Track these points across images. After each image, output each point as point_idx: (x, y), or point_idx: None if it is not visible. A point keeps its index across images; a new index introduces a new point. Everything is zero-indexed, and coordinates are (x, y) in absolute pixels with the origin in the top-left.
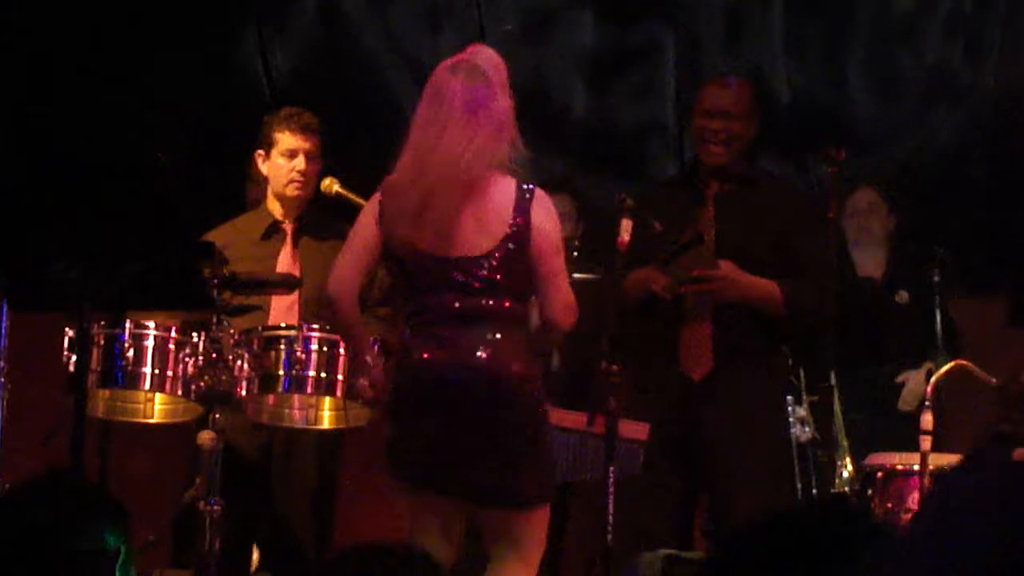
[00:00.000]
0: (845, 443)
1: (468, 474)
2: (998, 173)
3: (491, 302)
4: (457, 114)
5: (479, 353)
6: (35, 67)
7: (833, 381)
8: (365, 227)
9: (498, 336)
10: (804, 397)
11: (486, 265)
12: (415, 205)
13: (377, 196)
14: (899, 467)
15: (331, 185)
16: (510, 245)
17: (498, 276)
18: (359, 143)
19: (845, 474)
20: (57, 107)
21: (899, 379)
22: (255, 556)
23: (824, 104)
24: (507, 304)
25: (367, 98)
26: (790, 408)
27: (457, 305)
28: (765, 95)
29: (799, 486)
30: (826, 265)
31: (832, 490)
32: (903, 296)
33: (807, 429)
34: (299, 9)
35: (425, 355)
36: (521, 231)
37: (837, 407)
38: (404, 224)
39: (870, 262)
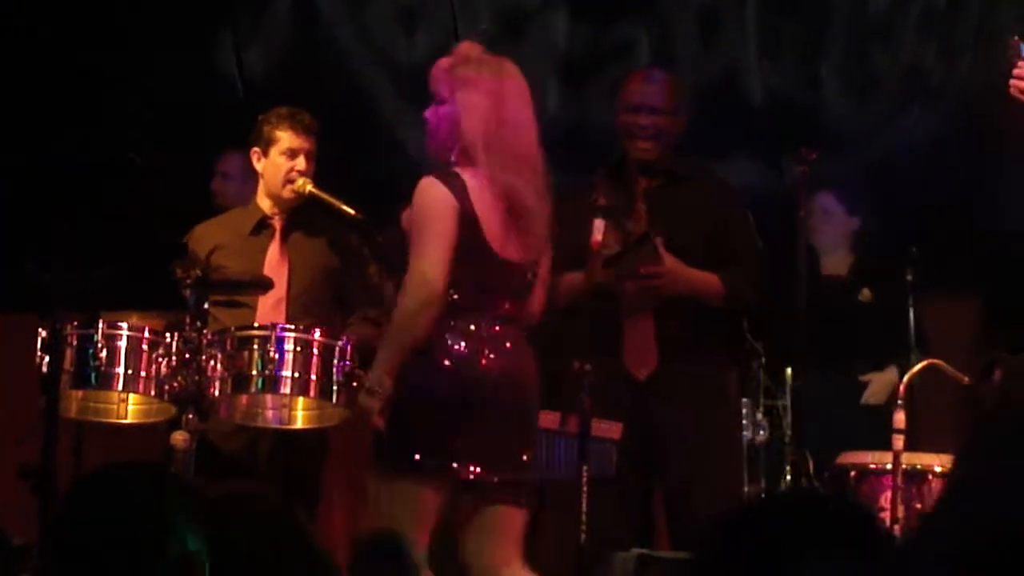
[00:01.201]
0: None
1: (520, 471)
2: (972, 172)
3: (524, 307)
4: (533, 117)
5: (524, 355)
6: (6, 70)
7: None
8: (451, 227)
9: (524, 338)
10: (761, 400)
11: (530, 271)
12: (504, 207)
13: (451, 196)
14: (872, 466)
15: (304, 185)
16: (545, 253)
17: (535, 282)
18: (332, 143)
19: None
20: (31, 109)
21: (864, 379)
22: None
23: (798, 104)
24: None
25: (341, 97)
26: (744, 410)
27: (508, 307)
28: (739, 95)
29: (762, 485)
30: (754, 253)
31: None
32: (866, 295)
33: (762, 431)
34: (273, 8)
35: (484, 360)
36: (550, 240)
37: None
38: (492, 225)
39: (832, 262)
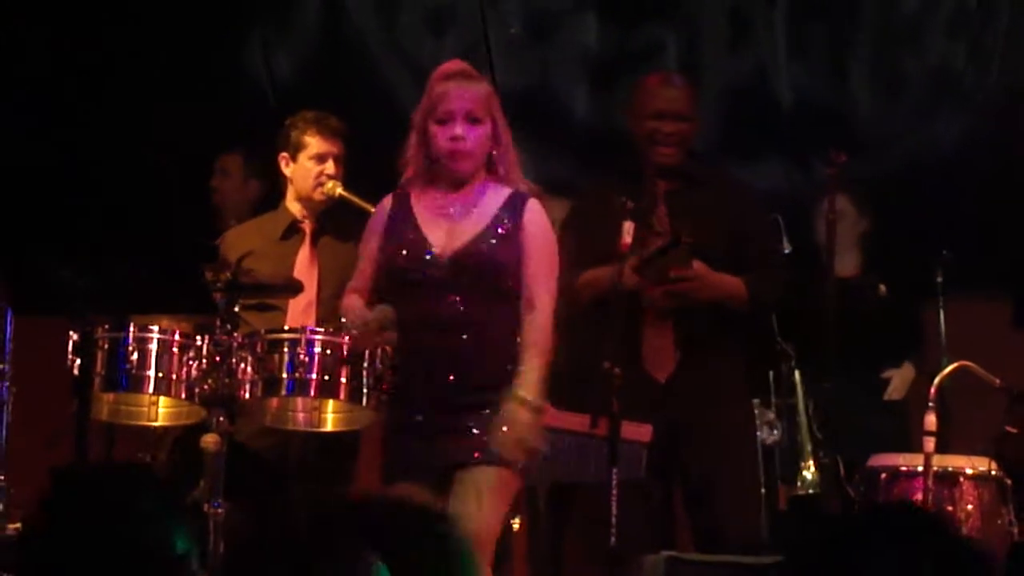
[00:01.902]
0: (808, 446)
1: None
2: (1000, 175)
3: None
4: None
5: None
6: (36, 71)
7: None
8: None
9: None
10: (773, 400)
11: None
12: None
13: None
14: (903, 468)
15: (334, 188)
16: None
17: None
18: (361, 147)
19: (808, 475)
20: (60, 111)
21: (885, 375)
22: None
23: (827, 105)
24: None
25: (369, 102)
26: (757, 411)
27: None
28: (768, 97)
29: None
30: (778, 256)
31: (801, 491)
32: (882, 290)
33: (775, 432)
34: (302, 11)
35: None
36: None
37: (802, 408)
38: None
39: (843, 263)
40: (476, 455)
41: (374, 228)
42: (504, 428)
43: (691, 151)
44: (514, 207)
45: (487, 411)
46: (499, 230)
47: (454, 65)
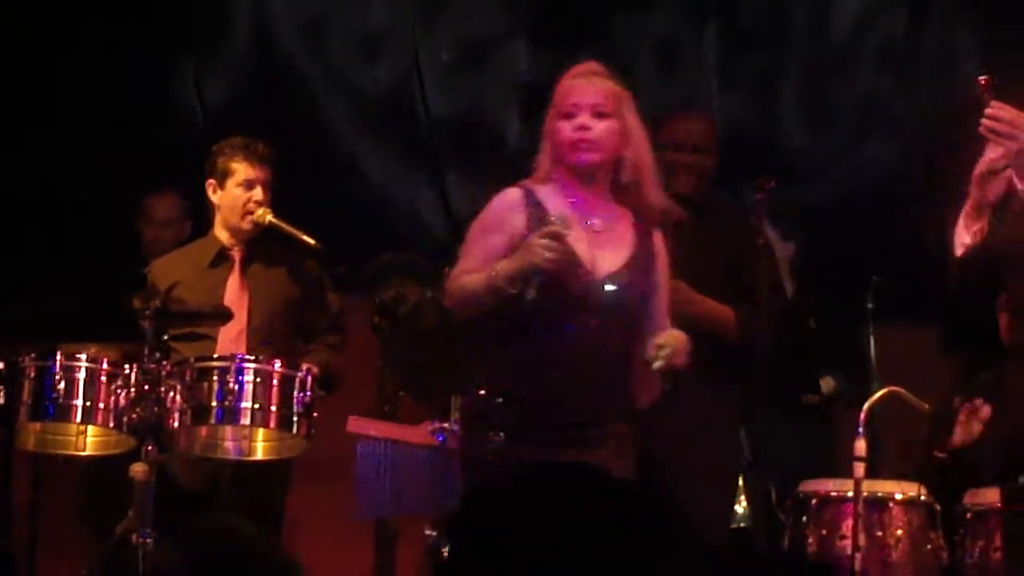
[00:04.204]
0: (739, 479)
1: None
2: (930, 201)
3: None
4: None
5: None
6: None
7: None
8: None
9: None
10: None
11: None
12: None
13: None
14: (833, 494)
15: (264, 215)
16: None
17: None
18: (292, 172)
19: (740, 509)
20: None
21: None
22: None
23: (757, 134)
24: None
25: (302, 126)
26: None
27: None
28: None
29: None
30: (774, 292)
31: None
32: (811, 324)
33: (744, 453)
34: (233, 37)
35: None
36: None
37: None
38: None
39: None
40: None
41: (506, 224)
42: (663, 339)
43: (708, 184)
44: (646, 236)
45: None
46: (641, 262)
47: (584, 65)
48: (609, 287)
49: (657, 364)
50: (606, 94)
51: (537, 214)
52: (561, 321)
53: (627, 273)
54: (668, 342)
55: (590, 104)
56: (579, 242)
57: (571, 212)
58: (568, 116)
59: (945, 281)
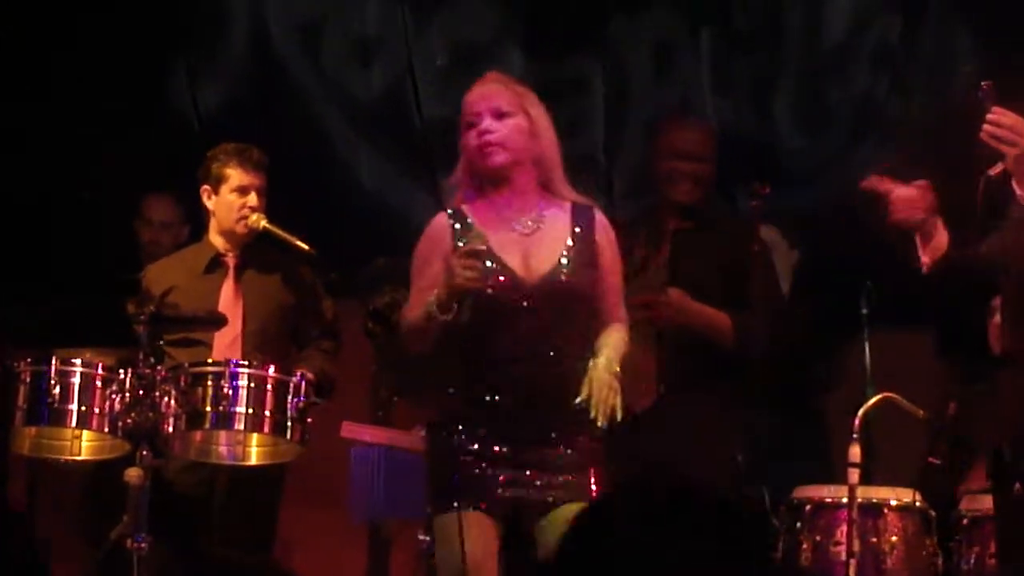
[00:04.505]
0: None
1: None
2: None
3: None
4: None
5: None
6: None
7: None
8: None
9: None
10: None
11: None
12: None
13: None
14: (827, 500)
15: (258, 221)
16: None
17: None
18: (286, 177)
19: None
20: None
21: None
22: None
23: (752, 138)
24: None
25: (296, 131)
26: None
27: None
28: None
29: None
30: (774, 301)
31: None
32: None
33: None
34: (227, 42)
35: None
36: None
37: None
38: None
39: None
40: (566, 495)
41: (437, 250)
42: (586, 387)
43: (708, 192)
44: (585, 225)
45: (572, 451)
46: (579, 255)
47: (484, 76)
48: (543, 284)
49: (600, 422)
50: (504, 95)
51: (464, 233)
52: (499, 325)
53: (561, 268)
54: (592, 392)
55: (490, 108)
56: (509, 247)
57: (497, 219)
58: (471, 125)
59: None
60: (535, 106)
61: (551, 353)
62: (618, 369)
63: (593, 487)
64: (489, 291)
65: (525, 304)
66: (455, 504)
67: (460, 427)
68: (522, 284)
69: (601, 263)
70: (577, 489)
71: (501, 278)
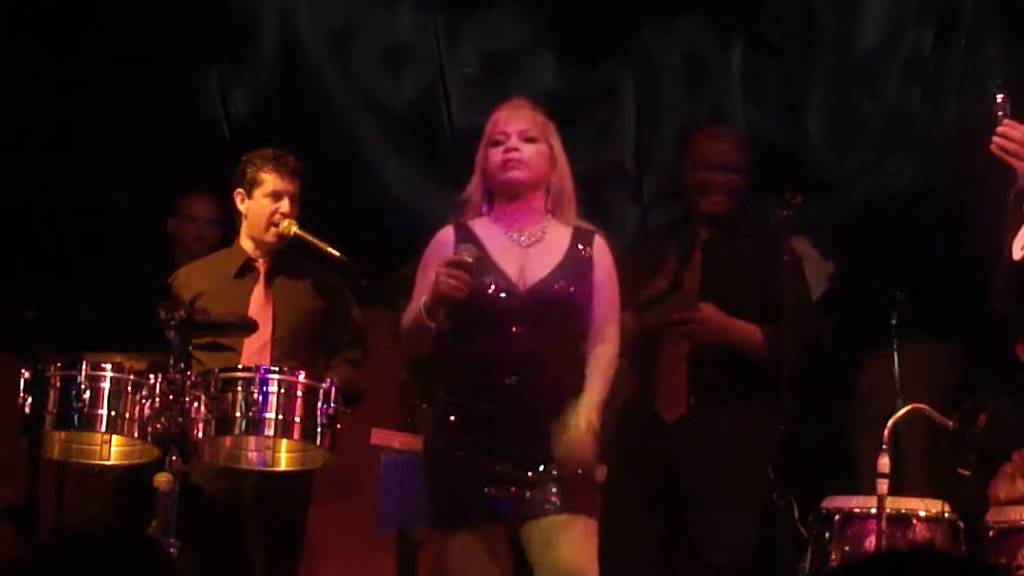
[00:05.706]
0: None
1: None
2: (956, 216)
3: None
4: None
5: None
6: None
7: None
8: None
9: None
10: None
11: None
12: None
13: None
14: (856, 510)
15: (289, 227)
16: None
17: None
18: (317, 184)
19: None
20: (12, 149)
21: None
22: None
23: (783, 147)
24: None
25: (326, 139)
26: None
27: None
28: None
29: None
30: (804, 312)
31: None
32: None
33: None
34: (259, 49)
35: None
36: None
37: None
38: None
39: None
40: (552, 506)
41: (437, 260)
42: (563, 445)
43: (741, 202)
44: (583, 243)
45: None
46: (573, 266)
47: (512, 99)
48: (535, 291)
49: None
50: (533, 121)
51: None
52: (485, 332)
53: (553, 278)
54: (563, 451)
55: (518, 130)
56: (509, 257)
57: (502, 232)
58: (497, 143)
59: (969, 297)
60: (556, 139)
61: (540, 362)
62: (596, 426)
63: (580, 497)
64: (482, 297)
65: (517, 307)
66: (448, 523)
67: (449, 434)
68: (515, 290)
69: (594, 278)
70: (565, 499)
71: (496, 285)
